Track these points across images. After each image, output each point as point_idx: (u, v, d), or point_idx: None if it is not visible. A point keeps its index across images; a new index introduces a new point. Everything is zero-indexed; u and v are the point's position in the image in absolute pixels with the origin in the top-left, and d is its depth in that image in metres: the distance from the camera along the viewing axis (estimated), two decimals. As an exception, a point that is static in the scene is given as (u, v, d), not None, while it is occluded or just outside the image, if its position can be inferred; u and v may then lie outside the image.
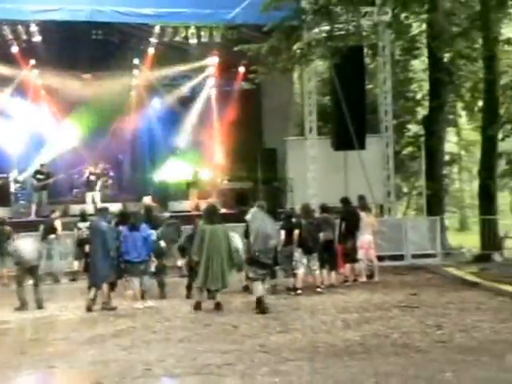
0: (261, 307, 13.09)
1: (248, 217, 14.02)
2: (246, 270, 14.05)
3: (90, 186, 24.68)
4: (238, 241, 14.52)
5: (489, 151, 22.50)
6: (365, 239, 17.33)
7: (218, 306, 13.46)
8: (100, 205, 20.64)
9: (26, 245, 14.55)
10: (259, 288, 13.39)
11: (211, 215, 14.18)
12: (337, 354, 9.44)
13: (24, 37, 23.55)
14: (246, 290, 14.90)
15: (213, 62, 27.51)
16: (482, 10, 21.75)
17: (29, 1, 20.60)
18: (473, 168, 37.35)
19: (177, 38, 24.17)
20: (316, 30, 21.59)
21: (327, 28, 21.13)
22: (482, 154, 23.34)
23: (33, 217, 23.08)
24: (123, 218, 15.98)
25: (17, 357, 10.08)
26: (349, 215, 17.33)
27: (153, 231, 14.92)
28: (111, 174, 28.19)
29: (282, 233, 15.37)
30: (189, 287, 14.80)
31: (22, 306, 14.18)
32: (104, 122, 27.54)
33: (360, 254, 17.20)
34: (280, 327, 11.50)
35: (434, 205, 23.91)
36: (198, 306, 13.52)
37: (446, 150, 30.66)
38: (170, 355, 9.67)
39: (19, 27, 23.03)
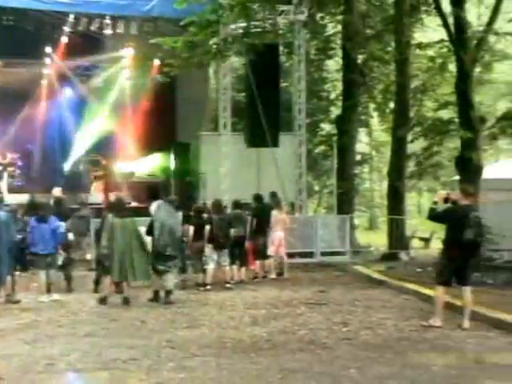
0: (157, 298, 13.49)
1: (152, 209, 13.96)
2: (153, 263, 13.86)
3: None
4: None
5: (398, 152, 22.94)
6: (276, 236, 17.43)
7: (126, 301, 13.35)
8: (6, 195, 20.10)
9: None
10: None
11: (120, 208, 14.06)
12: (244, 349, 9.46)
13: None
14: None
15: (128, 53, 27.22)
16: (396, 14, 22.17)
17: None
18: (383, 168, 38.06)
19: (92, 28, 23.78)
20: (233, 26, 21.64)
21: (244, 24, 21.22)
22: (391, 154, 23.78)
23: None
24: (31, 208, 15.72)
25: None
26: (260, 212, 17.40)
27: (62, 223, 14.67)
28: (19, 163, 27.53)
29: (192, 228, 15.37)
30: (97, 281, 14.59)
31: None
32: (13, 110, 26.95)
33: (270, 251, 17.30)
34: (188, 323, 11.47)
35: (345, 203, 24.25)
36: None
37: (358, 149, 31.14)
38: (75, 350, 9.51)
39: None
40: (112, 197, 20.05)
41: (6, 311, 12.74)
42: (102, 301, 13.37)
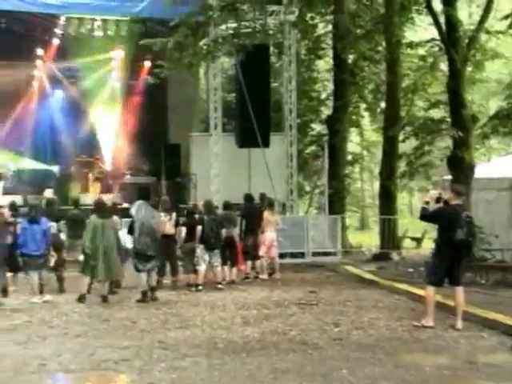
0: (145, 299, 13.57)
1: (132, 210, 14.03)
2: (135, 263, 13.96)
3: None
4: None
5: (389, 152, 22.96)
6: (268, 236, 17.41)
7: (105, 298, 13.64)
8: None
9: None
10: (144, 280, 13.76)
11: (101, 209, 14.25)
12: (235, 350, 9.45)
13: None
14: (158, 283, 14.98)
15: (118, 55, 27.22)
16: (386, 13, 22.17)
17: None
18: (374, 168, 38.10)
19: (82, 30, 23.72)
20: (222, 27, 21.63)
21: (234, 25, 21.21)
22: (382, 154, 23.80)
23: None
24: (14, 209, 15.78)
25: None
26: (250, 212, 17.39)
27: (53, 224, 14.69)
28: (11, 165, 27.61)
29: (184, 229, 15.39)
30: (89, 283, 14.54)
31: None
32: (5, 112, 27.03)
33: (262, 251, 17.28)
34: (179, 323, 11.44)
35: (336, 204, 24.25)
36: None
37: (349, 149, 31.15)
38: (67, 350, 9.48)
39: None
40: (106, 197, 20.19)
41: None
42: (81, 299, 13.59)
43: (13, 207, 16.15)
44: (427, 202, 11.31)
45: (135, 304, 13.41)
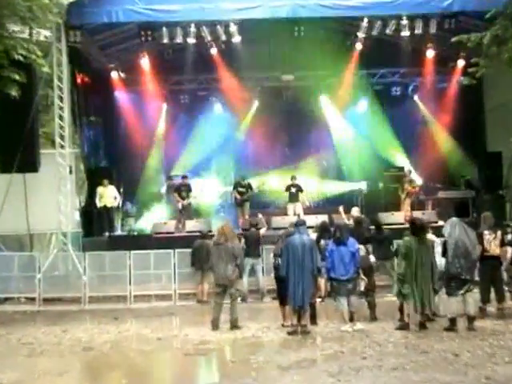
0: (454, 327, 13.40)
1: (445, 229, 13.75)
2: (446, 287, 13.80)
3: (290, 197, 24.95)
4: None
5: None
6: None
7: (423, 326, 13.64)
8: (302, 217, 20.83)
9: (221, 260, 14.82)
10: (453, 306, 13.57)
11: (419, 230, 14.07)
12: None
13: (223, 37, 23.99)
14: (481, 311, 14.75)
15: (428, 55, 27.10)
16: None
17: (227, 0, 21.05)
18: None
19: (387, 31, 23.81)
20: (547, 15, 20.75)
21: (563, 12, 20.27)
22: None
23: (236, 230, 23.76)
24: (324, 231, 16.22)
25: (219, 379, 10.44)
26: None
27: (362, 246, 14.92)
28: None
29: (510, 249, 14.92)
30: (401, 309, 14.56)
31: (213, 326, 14.54)
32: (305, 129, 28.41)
33: None
34: (508, 357, 11.12)
35: None
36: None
37: None
38: (383, 384, 9.62)
39: (218, 28, 23.51)
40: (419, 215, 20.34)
41: (309, 340, 13.19)
42: (402, 328, 13.68)
43: (324, 228, 16.69)
44: None
45: (456, 334, 13.20)
